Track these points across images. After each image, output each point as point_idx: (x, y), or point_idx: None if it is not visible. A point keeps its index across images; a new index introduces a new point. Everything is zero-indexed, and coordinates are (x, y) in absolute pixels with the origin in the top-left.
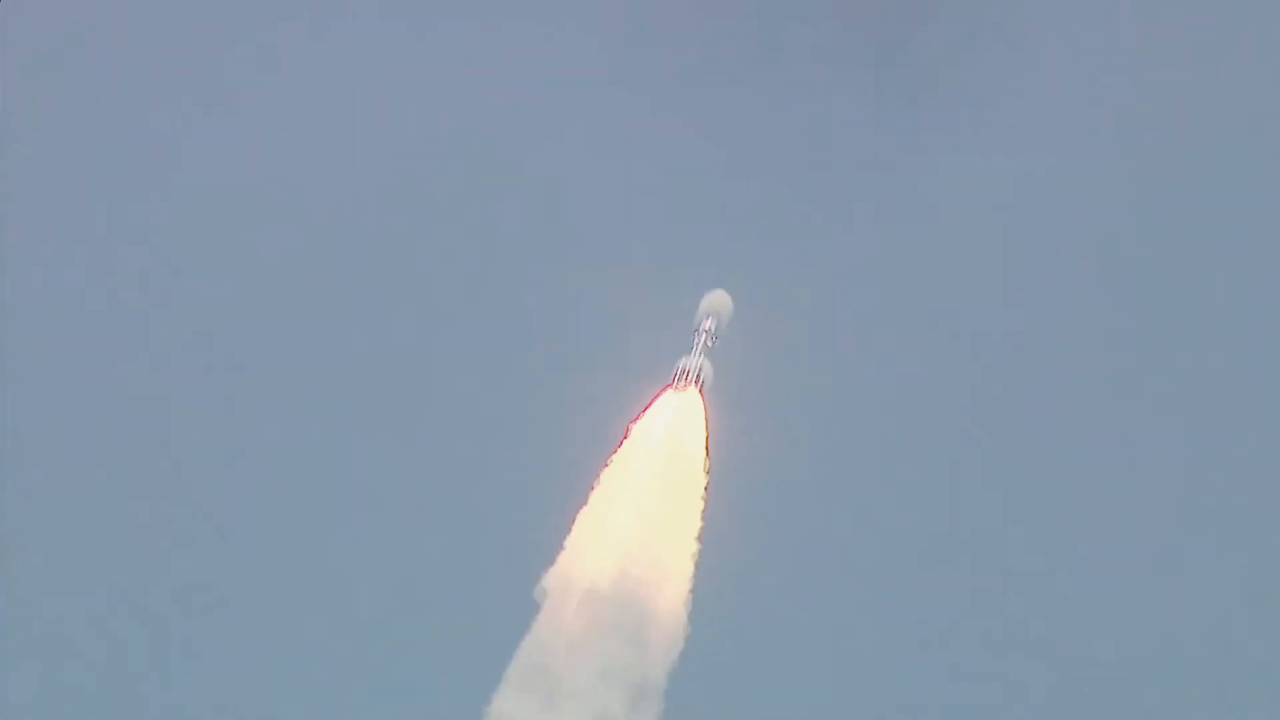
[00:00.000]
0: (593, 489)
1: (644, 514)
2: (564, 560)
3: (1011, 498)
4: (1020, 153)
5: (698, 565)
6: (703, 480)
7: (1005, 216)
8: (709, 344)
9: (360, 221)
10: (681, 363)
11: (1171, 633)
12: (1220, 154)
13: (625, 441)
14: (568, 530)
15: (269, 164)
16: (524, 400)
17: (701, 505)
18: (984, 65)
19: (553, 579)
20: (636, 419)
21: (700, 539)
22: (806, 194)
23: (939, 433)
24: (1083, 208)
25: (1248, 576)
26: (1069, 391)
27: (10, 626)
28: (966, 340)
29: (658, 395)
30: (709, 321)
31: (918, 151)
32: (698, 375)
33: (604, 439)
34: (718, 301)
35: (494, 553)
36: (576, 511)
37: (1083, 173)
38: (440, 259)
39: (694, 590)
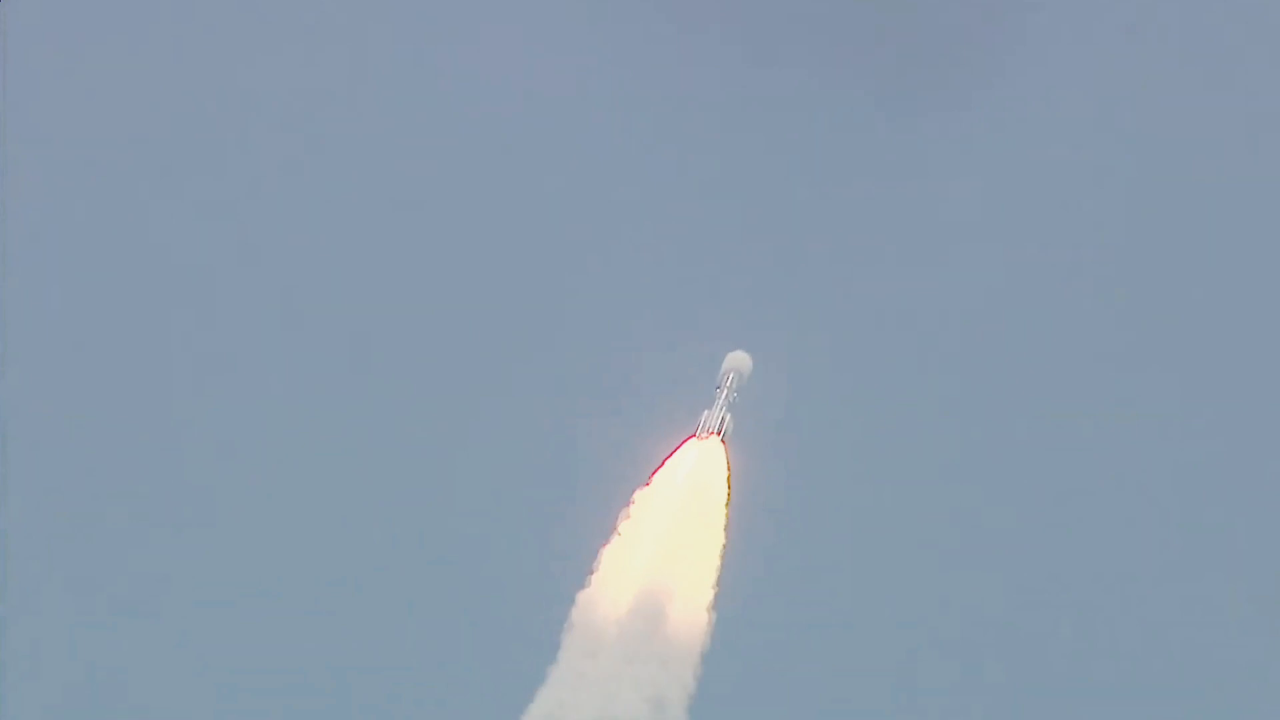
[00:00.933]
0: (618, 525)
1: (667, 547)
2: (589, 592)
3: (1034, 537)
4: (1032, 194)
5: (718, 597)
6: (724, 516)
7: (1021, 265)
8: (731, 398)
9: (393, 277)
10: (704, 415)
11: (1176, 633)
12: (1223, 153)
13: (651, 481)
14: (593, 565)
15: (271, 172)
16: (556, 449)
17: (723, 540)
18: (998, 142)
19: (578, 611)
20: (662, 463)
21: (720, 572)
22: (822, 254)
23: (958, 479)
24: (1104, 258)
25: (1249, 576)
26: (1091, 430)
27: (11, 629)
28: (979, 388)
29: (682, 443)
30: (730, 378)
31: (930, 204)
32: (719, 426)
33: (630, 481)
34: (738, 361)
35: (522, 586)
36: (602, 546)
37: (1100, 228)
38: (475, 314)
39: (713, 623)
